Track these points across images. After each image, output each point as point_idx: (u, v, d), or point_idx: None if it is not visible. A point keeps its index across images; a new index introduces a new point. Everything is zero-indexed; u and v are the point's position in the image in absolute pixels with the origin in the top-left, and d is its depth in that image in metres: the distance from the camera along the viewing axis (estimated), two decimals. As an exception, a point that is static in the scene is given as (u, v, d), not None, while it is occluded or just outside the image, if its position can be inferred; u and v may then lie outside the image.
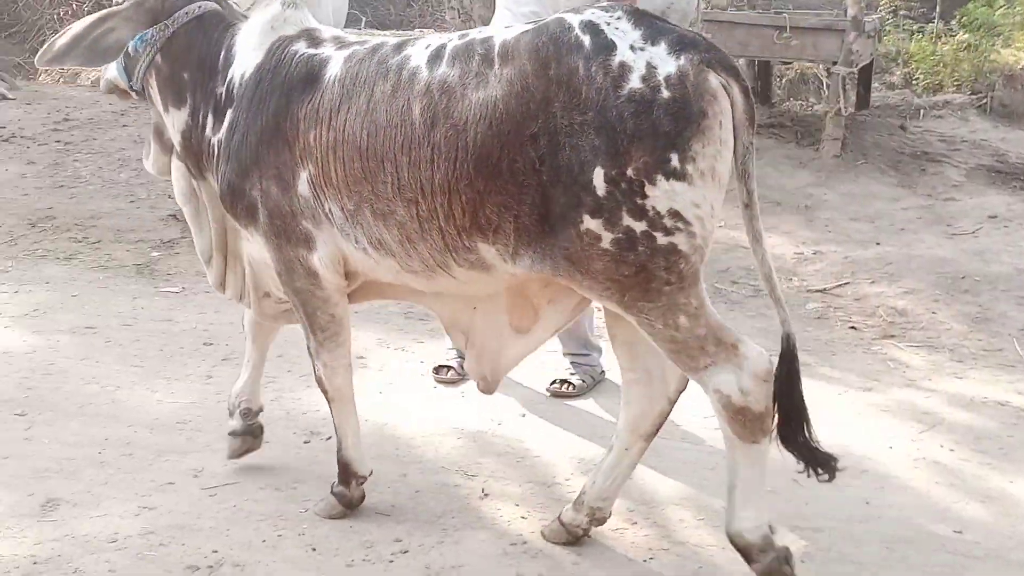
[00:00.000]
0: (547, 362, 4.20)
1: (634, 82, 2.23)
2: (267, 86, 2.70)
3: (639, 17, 2.35)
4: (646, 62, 2.26)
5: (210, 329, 4.47)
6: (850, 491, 3.18)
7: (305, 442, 3.43)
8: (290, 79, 2.67)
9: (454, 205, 2.42)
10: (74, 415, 3.59)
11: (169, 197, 6.68)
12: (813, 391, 3.92)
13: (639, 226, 2.26)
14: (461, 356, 3.83)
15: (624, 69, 2.25)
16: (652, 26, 2.33)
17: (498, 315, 2.78)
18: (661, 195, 2.24)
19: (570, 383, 3.90)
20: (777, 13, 7.94)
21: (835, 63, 7.08)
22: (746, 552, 2.48)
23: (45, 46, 2.94)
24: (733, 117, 2.31)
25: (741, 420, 2.38)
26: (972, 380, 4.15)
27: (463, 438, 3.50)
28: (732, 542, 2.50)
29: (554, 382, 3.91)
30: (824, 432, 3.51)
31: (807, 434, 2.47)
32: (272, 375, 3.98)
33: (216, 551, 2.74)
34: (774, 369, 2.40)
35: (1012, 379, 4.16)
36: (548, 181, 2.30)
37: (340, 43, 2.74)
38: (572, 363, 3.98)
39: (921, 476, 3.31)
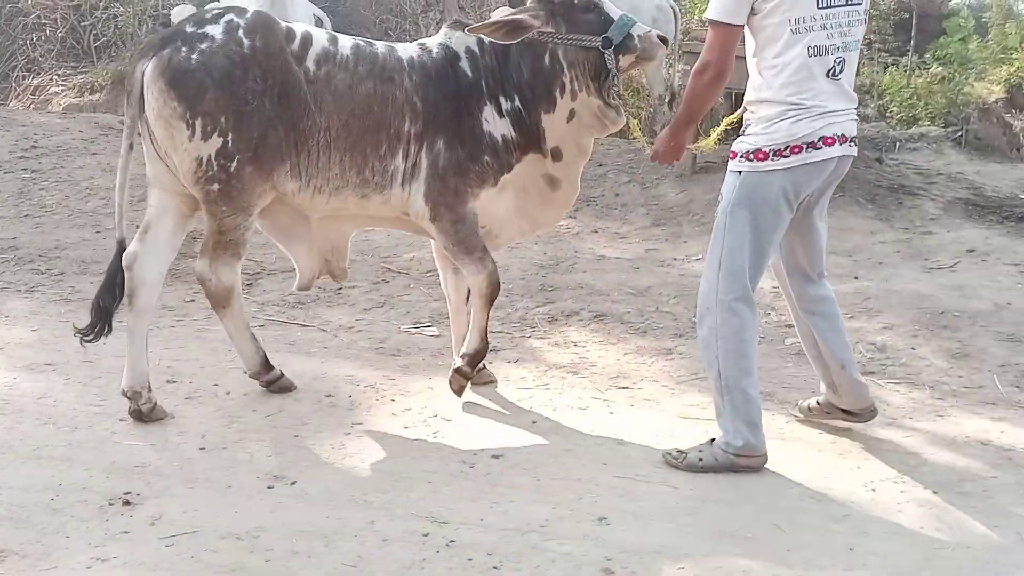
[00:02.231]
0: (522, 398, 4.12)
1: None
2: None
3: None
4: None
5: (174, 366, 4.33)
6: (833, 537, 3.09)
7: (269, 487, 3.29)
8: None
9: None
10: (28, 457, 3.44)
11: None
12: (794, 429, 3.89)
13: None
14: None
15: None
16: None
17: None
18: None
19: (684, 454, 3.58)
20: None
21: (813, 96, 7.05)
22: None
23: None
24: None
25: None
26: (953, 418, 4.08)
27: (434, 481, 3.38)
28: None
29: None
30: (806, 474, 3.49)
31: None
32: (236, 414, 3.86)
33: (171, 606, 2.61)
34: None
35: (994, 416, 4.09)
36: None
37: None
38: None
39: (905, 521, 3.21)
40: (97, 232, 6.46)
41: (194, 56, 3.50)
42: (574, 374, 4.47)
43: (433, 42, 3.94)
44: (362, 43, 3.86)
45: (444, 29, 3.97)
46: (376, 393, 4.16)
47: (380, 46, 3.88)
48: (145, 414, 3.73)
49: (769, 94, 3.39)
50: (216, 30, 3.57)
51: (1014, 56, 11.25)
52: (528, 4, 3.83)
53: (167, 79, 3.49)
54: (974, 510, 3.29)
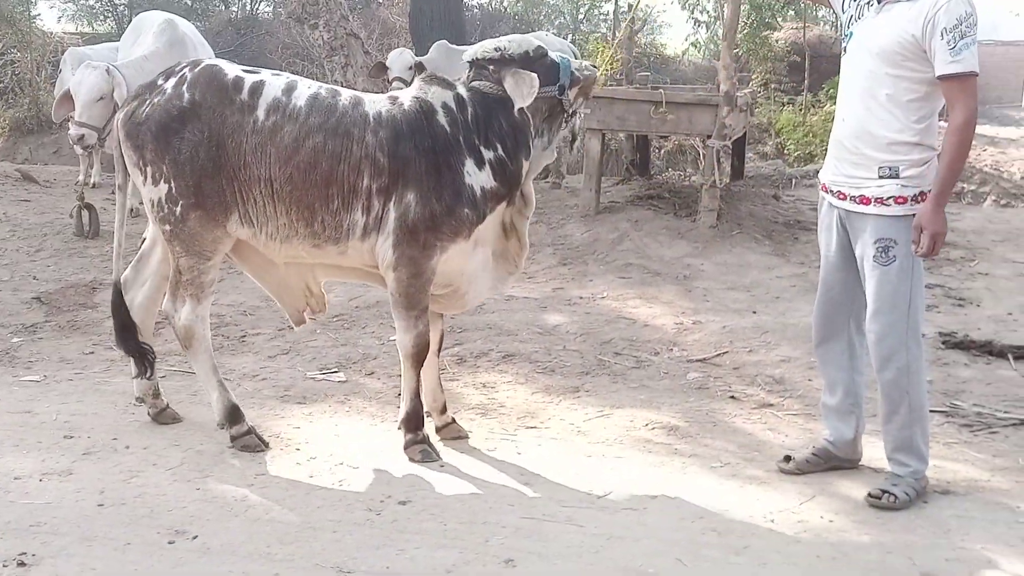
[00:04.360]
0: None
1: None
2: None
3: None
4: None
5: (72, 420, 4.23)
6: (733, 569, 3.16)
7: (170, 543, 3.22)
8: None
9: None
10: (-86, 522, 3.32)
11: (34, 279, 6.42)
12: (694, 464, 3.97)
13: None
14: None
15: None
16: None
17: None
18: None
19: (892, 494, 3.65)
20: (654, 88, 8.17)
21: (710, 136, 7.28)
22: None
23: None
24: None
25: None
26: (849, 448, 4.20)
27: (339, 531, 3.35)
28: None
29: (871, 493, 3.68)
30: (708, 507, 3.57)
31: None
32: (136, 469, 3.78)
33: (66, 671, 2.54)
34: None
35: (887, 445, 4.23)
36: None
37: None
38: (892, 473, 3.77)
39: (802, 551, 3.30)
40: (-9, 284, 6.28)
41: (145, 110, 3.82)
42: (483, 415, 4.50)
43: (406, 96, 3.94)
44: (324, 92, 3.87)
45: (418, 83, 4.00)
46: (280, 442, 4.12)
47: (345, 97, 3.88)
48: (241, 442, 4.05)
49: (921, 139, 3.54)
50: (169, 84, 3.84)
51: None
52: (477, 63, 3.92)
53: (125, 131, 3.87)
54: (870, 538, 3.40)
